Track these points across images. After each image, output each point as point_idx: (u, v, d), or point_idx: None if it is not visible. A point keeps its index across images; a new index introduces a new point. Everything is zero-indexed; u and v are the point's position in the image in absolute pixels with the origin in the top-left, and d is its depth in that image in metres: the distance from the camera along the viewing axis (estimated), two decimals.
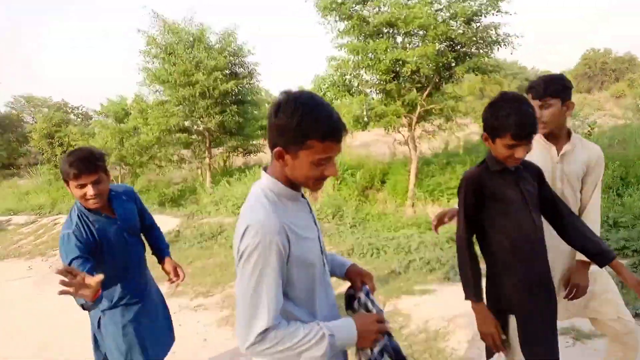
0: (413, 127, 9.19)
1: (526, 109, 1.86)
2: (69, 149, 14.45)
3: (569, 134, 2.29)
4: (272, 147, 1.42)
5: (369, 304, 1.58)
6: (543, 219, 2.04)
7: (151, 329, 2.64)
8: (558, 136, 2.27)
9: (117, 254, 2.50)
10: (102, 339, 2.58)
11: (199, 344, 4.02)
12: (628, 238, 5.08)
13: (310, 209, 1.61)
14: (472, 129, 12.66)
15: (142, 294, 2.66)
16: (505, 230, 1.95)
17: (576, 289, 2.22)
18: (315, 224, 1.59)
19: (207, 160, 12.62)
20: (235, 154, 14.43)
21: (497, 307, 2.00)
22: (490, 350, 2.03)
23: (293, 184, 1.48)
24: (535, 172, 2.07)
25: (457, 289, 4.39)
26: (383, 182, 10.73)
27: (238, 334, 1.37)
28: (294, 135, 1.36)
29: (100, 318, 2.55)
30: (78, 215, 2.39)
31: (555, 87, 2.21)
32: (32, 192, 17.64)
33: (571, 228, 2.02)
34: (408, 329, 3.74)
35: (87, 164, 2.29)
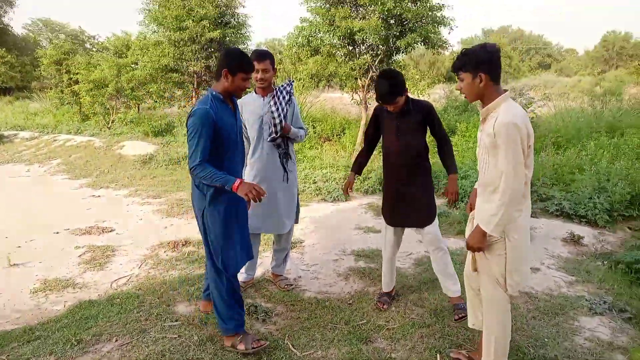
0: (365, 89, 10.56)
1: (379, 82, 3.00)
2: (74, 77, 15.78)
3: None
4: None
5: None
6: None
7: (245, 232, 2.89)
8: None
9: (227, 148, 2.69)
10: (207, 226, 2.73)
11: (135, 221, 5.68)
12: None
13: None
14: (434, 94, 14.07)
15: (240, 198, 2.73)
16: None
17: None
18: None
19: (193, 99, 14.05)
20: None
21: None
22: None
23: None
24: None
25: (322, 206, 6.01)
26: (340, 135, 12.22)
27: None
28: None
29: (204, 208, 2.70)
30: (211, 99, 2.64)
31: (462, 62, 2.27)
32: (40, 113, 19.33)
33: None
34: None
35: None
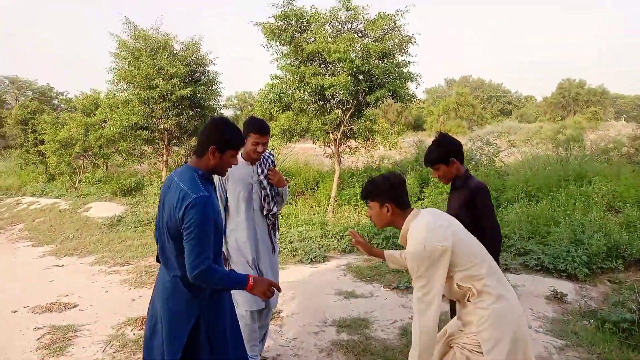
0: (337, 143, 10.61)
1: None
2: (40, 137, 15.44)
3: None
4: None
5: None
6: None
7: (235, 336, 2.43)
8: None
9: (217, 230, 2.27)
10: (209, 333, 2.24)
11: (100, 294, 5.34)
12: None
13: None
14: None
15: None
16: None
17: None
18: None
19: (164, 157, 13.85)
20: None
21: None
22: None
23: None
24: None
25: (299, 269, 5.80)
26: (314, 188, 12.15)
27: None
28: None
29: (200, 313, 2.22)
30: (201, 182, 2.23)
31: (368, 191, 2.35)
32: (3, 173, 18.71)
33: None
34: None
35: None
